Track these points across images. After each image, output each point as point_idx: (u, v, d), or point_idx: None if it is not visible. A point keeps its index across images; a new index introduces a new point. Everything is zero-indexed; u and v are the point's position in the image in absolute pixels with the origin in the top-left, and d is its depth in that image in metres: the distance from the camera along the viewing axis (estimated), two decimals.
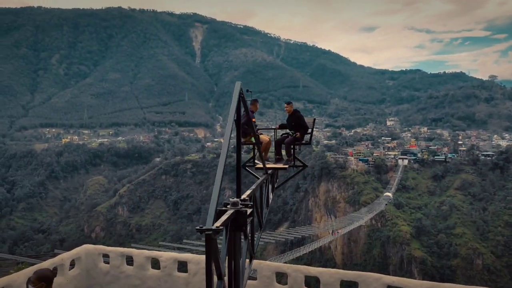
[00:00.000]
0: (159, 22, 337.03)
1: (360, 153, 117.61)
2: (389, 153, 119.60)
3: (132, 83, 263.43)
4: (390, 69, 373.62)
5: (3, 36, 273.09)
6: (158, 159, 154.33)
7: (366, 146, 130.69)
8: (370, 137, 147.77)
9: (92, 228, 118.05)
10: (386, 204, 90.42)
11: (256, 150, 8.40)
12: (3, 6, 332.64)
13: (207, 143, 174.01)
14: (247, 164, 8.56)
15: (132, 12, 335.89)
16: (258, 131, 8.37)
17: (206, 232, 2.97)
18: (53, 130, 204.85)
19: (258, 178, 9.38)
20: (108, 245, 8.50)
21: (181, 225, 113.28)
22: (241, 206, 3.92)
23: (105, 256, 8.30)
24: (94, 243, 8.70)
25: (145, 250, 8.57)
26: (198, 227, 3.03)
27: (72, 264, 7.89)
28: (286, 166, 8.14)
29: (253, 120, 8.28)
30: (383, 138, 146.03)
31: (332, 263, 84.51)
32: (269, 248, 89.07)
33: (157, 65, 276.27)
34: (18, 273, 6.82)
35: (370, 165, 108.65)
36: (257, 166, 8.16)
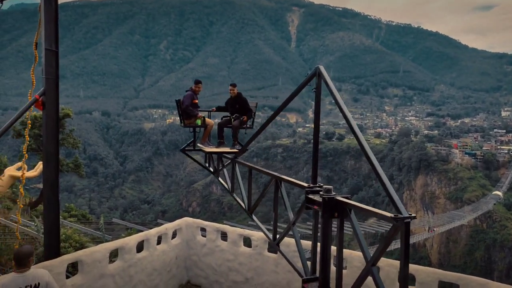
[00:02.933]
0: (257, 7, 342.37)
1: (466, 145, 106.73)
2: (502, 147, 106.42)
3: (229, 67, 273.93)
4: (509, 53, 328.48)
5: (120, 25, 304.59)
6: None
7: (475, 138, 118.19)
8: (480, 129, 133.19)
9: (190, 203, 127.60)
10: (494, 204, 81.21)
11: (197, 133, 8.28)
12: None
13: (299, 128, 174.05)
14: (186, 148, 8.50)
15: None
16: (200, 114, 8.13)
17: (406, 220, 3.10)
18: (159, 111, 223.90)
19: (197, 162, 9.29)
20: (203, 220, 9.13)
21: (270, 208, 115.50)
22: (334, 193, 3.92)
23: (202, 230, 8.94)
24: (191, 217, 9.39)
25: (238, 228, 9.02)
26: (394, 216, 3.14)
27: (174, 234, 8.65)
28: (238, 150, 7.76)
29: (195, 101, 8.16)
30: (495, 130, 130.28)
31: (426, 262, 79.20)
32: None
33: (253, 50, 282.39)
34: (129, 237, 7.72)
35: (478, 160, 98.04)
36: (206, 149, 7.92)
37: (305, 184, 4.46)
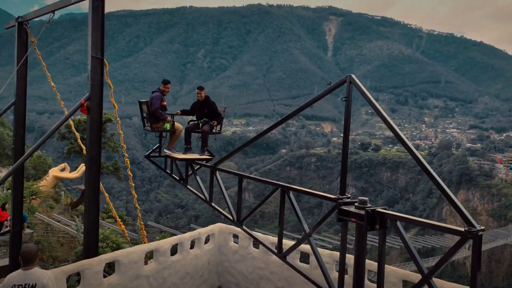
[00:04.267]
0: (294, 16, 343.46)
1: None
2: None
3: (265, 76, 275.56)
4: None
5: (161, 34, 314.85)
6: (284, 151, 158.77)
7: None
8: None
9: (222, 209, 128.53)
10: None
11: (164, 138, 7.76)
12: (162, 7, 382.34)
13: (333, 138, 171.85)
14: (151, 154, 7.86)
15: (270, 8, 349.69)
16: (168, 118, 7.59)
17: (479, 233, 3.16)
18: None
19: (164, 170, 8.44)
20: (235, 226, 9.15)
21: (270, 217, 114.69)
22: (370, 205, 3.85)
23: (235, 236, 8.99)
24: (223, 223, 9.45)
25: (270, 236, 9.00)
26: (467, 229, 3.15)
27: (207, 240, 8.76)
28: (211, 157, 7.50)
29: (164, 103, 7.58)
30: None
31: (465, 281, 75.16)
32: (393, 253, 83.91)
33: (289, 59, 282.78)
34: (164, 240, 7.90)
35: None
36: (176, 156, 7.39)
37: (332, 196, 4.34)
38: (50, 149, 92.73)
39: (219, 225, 8.98)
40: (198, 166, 7.36)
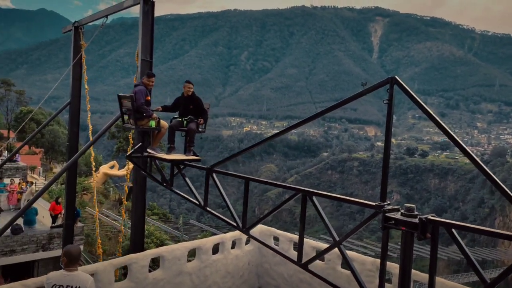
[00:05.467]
0: (338, 18, 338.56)
1: None
2: None
3: (307, 78, 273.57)
4: None
5: (205, 37, 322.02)
6: (325, 154, 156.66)
7: None
8: None
9: (262, 211, 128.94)
10: None
11: (148, 137, 7.04)
12: (207, 11, 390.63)
13: (377, 142, 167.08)
14: (133, 155, 7.00)
15: (314, 9, 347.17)
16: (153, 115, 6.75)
17: None
18: (237, 119, 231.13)
19: (144, 170, 7.41)
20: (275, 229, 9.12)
21: (343, 222, 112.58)
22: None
23: (275, 239, 8.98)
24: (263, 225, 9.44)
25: (310, 240, 8.91)
26: None
27: (248, 241, 8.82)
28: (199, 157, 6.94)
29: (148, 98, 6.78)
30: None
31: None
32: (440, 264, 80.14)
33: (333, 61, 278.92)
34: (206, 239, 8.05)
35: None
36: (163, 157, 6.69)
37: (373, 203, 4.12)
38: (100, 147, 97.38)
39: (260, 226, 9.01)
40: (183, 167, 6.75)
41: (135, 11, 8.39)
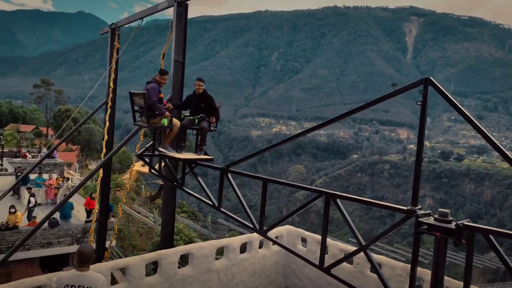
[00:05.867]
0: (371, 18, 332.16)
1: None
2: None
3: (338, 79, 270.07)
4: None
5: (236, 38, 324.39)
6: (355, 156, 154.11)
7: None
8: None
9: (290, 212, 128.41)
10: None
11: (158, 136, 6.72)
12: (238, 12, 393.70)
13: (410, 145, 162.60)
14: (144, 153, 6.80)
15: (346, 9, 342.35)
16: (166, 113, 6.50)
17: None
18: (267, 119, 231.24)
19: (155, 169, 7.09)
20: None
21: (372, 226, 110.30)
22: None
23: (303, 240, 8.94)
24: (290, 226, 9.42)
25: (339, 242, 8.81)
26: None
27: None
28: (211, 157, 6.71)
29: (161, 95, 6.57)
30: None
31: None
32: (474, 272, 76.99)
33: (365, 62, 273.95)
34: (234, 238, 8.12)
35: None
36: (170, 155, 6.47)
37: (404, 208, 3.95)
38: (133, 146, 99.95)
39: (287, 227, 9.01)
40: (195, 166, 6.60)
41: (169, 13, 8.59)
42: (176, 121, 6.67)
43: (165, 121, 6.40)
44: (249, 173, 5.81)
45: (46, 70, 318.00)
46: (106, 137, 11.30)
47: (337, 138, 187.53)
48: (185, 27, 8.32)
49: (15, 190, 19.57)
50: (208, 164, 6.58)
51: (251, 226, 5.34)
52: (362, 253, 4.38)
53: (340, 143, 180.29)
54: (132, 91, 6.45)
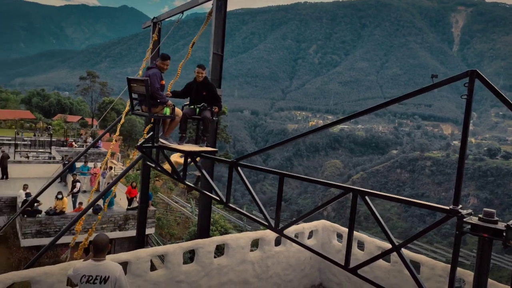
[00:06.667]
0: (416, 8, 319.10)
1: None
2: None
3: (378, 72, 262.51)
4: None
5: (274, 30, 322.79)
6: (395, 152, 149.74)
7: None
8: None
9: (326, 207, 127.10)
10: None
11: (161, 126, 6.27)
12: (277, 4, 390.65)
13: (454, 141, 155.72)
14: (144, 145, 6.23)
15: (389, 0, 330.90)
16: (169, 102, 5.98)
17: None
18: (303, 113, 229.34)
19: (157, 163, 6.76)
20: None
21: (411, 224, 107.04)
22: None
23: (338, 236, 8.84)
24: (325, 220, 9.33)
25: (376, 239, 8.63)
26: None
27: (310, 235, 8.80)
28: (216, 149, 6.23)
29: (163, 82, 6.02)
30: None
31: None
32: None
33: (407, 54, 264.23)
34: (269, 230, 8.15)
35: None
36: (172, 147, 6.04)
37: (446, 207, 3.70)
38: (172, 137, 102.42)
39: (323, 222, 8.94)
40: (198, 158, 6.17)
41: (208, 6, 8.68)
42: (178, 111, 6.25)
43: (167, 110, 5.95)
44: (261, 167, 5.39)
45: (91, 63, 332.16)
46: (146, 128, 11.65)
47: (375, 132, 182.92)
48: (224, 20, 8.38)
49: (62, 177, 20.67)
50: (215, 157, 6.20)
51: (266, 223, 4.91)
52: (403, 250, 4.18)
53: (378, 138, 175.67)
54: (130, 77, 5.99)
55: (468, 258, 27.90)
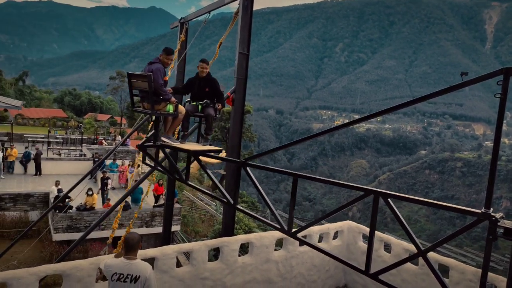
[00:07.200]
0: (446, 4, 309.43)
1: None
2: None
3: (407, 70, 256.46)
4: None
5: (300, 29, 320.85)
6: (423, 152, 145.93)
7: None
8: None
9: (351, 207, 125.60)
10: None
11: (162, 124, 5.93)
12: (303, 3, 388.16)
13: (486, 142, 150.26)
14: (146, 144, 5.88)
15: None
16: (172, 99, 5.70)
17: None
18: (329, 112, 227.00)
19: (159, 163, 6.43)
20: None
21: (440, 227, 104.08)
22: None
23: (364, 237, 8.71)
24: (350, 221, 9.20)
25: (403, 241, 8.44)
26: None
27: (335, 236, 8.71)
28: (221, 148, 5.92)
29: (166, 78, 5.73)
30: None
31: None
32: None
33: (437, 52, 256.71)
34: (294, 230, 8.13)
35: None
36: (175, 146, 5.74)
37: (477, 211, 3.50)
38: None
39: (348, 222, 8.83)
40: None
41: (234, 5, 8.72)
42: (182, 108, 6.01)
43: (170, 108, 5.69)
44: (271, 167, 5.15)
45: (121, 63, 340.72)
46: None
47: (403, 132, 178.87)
48: (250, 19, 8.40)
49: (92, 174, 21.31)
50: (220, 156, 5.97)
51: (278, 226, 4.71)
52: (431, 253, 3.99)
53: (406, 138, 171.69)
54: (130, 72, 5.68)
55: (500, 263, 26.87)
